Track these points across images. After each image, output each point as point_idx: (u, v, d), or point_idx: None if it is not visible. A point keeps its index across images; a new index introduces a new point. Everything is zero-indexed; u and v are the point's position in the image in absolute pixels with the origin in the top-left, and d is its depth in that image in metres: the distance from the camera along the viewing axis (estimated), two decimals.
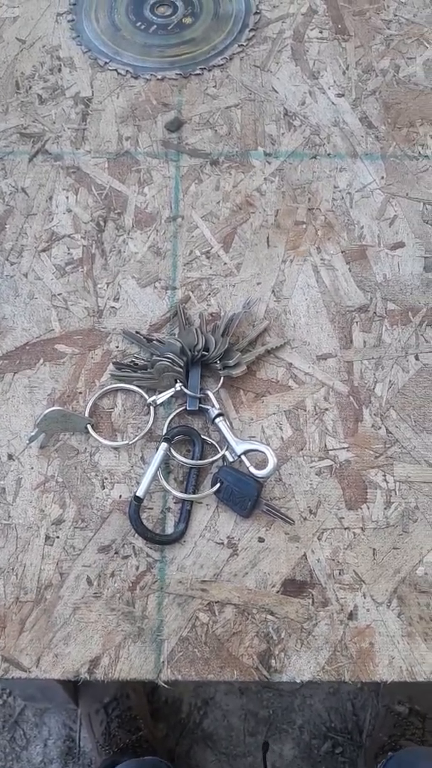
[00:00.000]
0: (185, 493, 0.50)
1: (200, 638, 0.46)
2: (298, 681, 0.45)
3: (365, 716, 1.23)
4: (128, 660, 0.46)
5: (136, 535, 0.49)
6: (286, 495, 0.50)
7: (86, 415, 0.52)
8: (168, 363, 0.52)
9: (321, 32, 0.71)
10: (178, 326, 0.56)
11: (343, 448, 0.51)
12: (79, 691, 1.15)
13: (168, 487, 0.50)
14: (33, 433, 0.51)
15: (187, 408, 0.52)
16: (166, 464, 0.51)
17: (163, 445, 0.50)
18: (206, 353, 0.53)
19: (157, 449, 0.50)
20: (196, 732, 1.21)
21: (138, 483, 0.50)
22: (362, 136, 0.65)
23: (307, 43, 0.71)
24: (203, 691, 1.23)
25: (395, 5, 0.73)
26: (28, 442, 0.52)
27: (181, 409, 0.53)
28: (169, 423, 0.52)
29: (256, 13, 0.72)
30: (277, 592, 0.47)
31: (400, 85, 0.68)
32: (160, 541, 0.48)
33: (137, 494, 0.49)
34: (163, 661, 0.46)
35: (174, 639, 0.46)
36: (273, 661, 0.46)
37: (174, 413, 0.52)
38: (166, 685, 0.46)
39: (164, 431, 0.52)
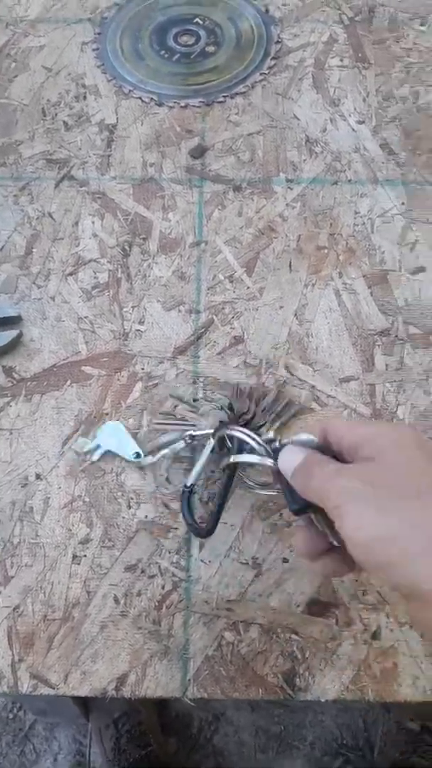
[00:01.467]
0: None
1: (226, 657, 0.47)
2: (322, 700, 0.46)
3: (376, 733, 1.22)
4: (155, 678, 0.47)
5: (163, 552, 0.50)
6: None
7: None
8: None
9: (341, 60, 0.73)
10: (232, 395, 0.56)
11: None
12: (89, 705, 1.15)
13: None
14: (91, 446, 0.53)
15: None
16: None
17: (210, 441, 0.51)
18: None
19: (205, 445, 0.51)
20: (207, 748, 1.21)
21: (164, 503, 0.51)
22: (383, 163, 0.67)
23: (327, 71, 0.73)
24: (214, 707, 1.23)
25: (414, 33, 0.74)
26: (83, 453, 0.53)
27: None
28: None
29: (277, 41, 0.74)
30: (302, 611, 0.48)
31: (420, 112, 0.69)
32: (199, 533, 0.49)
33: (187, 483, 0.50)
34: (189, 679, 0.47)
35: (200, 657, 0.47)
36: (297, 680, 0.47)
37: None
38: (192, 703, 0.46)
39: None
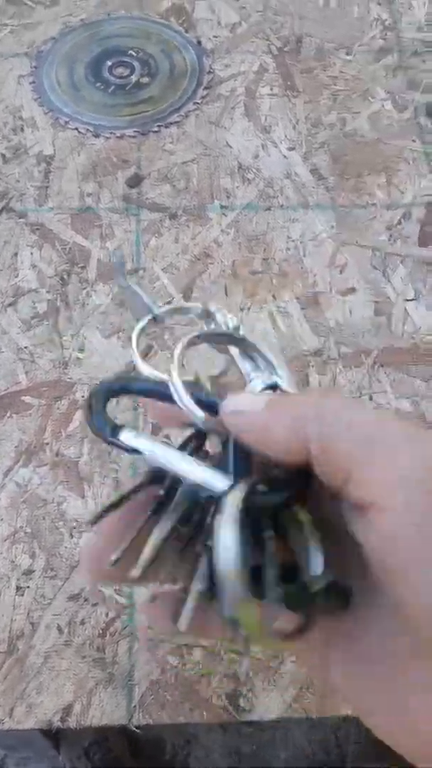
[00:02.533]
0: None
1: (170, 681, 0.48)
2: (265, 719, 0.47)
3: (348, 746, 1.23)
4: (100, 706, 0.47)
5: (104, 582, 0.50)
6: None
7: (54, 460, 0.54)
8: None
9: (272, 89, 0.75)
10: None
11: None
12: (58, 736, 1.14)
13: None
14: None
15: None
16: None
17: None
18: None
19: None
20: None
21: None
22: (313, 188, 0.69)
23: (258, 99, 0.75)
24: (185, 730, 1.23)
25: (340, 62, 0.77)
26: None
27: None
28: None
29: (209, 72, 0.76)
30: None
31: (347, 138, 0.72)
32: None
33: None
34: (134, 706, 0.47)
35: (145, 683, 0.48)
36: (241, 700, 0.47)
37: None
38: (137, 730, 0.47)
39: None
